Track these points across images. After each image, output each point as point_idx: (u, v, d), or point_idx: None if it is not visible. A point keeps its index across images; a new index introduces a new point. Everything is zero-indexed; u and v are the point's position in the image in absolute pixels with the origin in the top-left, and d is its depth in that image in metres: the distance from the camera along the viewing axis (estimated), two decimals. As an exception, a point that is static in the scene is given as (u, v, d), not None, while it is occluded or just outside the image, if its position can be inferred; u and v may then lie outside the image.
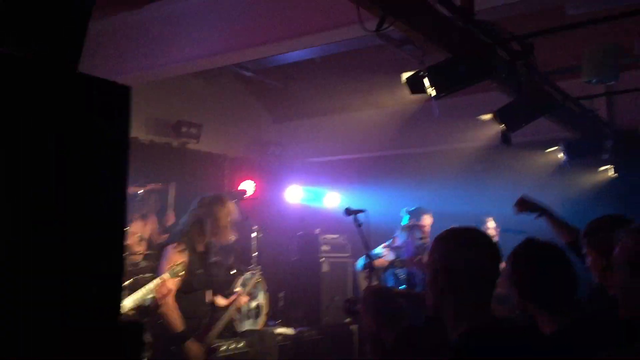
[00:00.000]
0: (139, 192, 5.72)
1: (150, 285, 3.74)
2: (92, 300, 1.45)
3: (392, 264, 5.10)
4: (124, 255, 1.55)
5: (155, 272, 4.16)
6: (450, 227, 1.97)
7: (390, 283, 5.17)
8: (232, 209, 4.19)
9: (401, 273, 5.10)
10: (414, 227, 5.32)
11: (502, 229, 6.06)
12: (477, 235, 1.92)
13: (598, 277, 2.55)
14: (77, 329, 1.38)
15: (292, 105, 8.68)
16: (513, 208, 3.82)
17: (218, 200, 4.17)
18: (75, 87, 1.42)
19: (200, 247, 4.14)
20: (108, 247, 1.48)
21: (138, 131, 7.08)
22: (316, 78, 7.78)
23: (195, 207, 4.16)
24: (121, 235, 1.55)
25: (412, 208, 6.00)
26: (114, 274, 1.49)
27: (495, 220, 6.07)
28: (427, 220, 5.83)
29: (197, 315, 4.11)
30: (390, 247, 5.47)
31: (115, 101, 1.50)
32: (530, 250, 2.25)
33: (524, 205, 3.77)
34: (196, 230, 4.10)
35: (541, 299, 2.13)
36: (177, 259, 3.92)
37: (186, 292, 4.00)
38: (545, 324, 2.11)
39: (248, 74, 7.50)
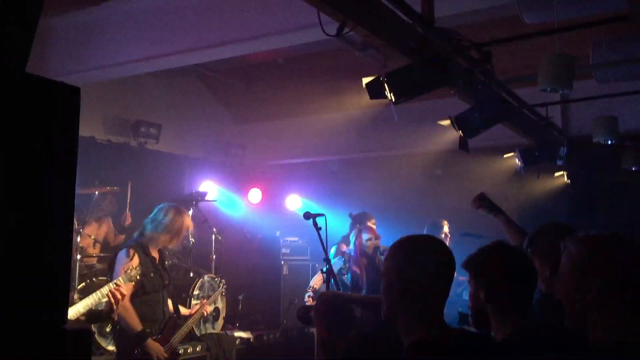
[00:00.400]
0: (95, 193, 5.59)
1: (104, 289, 3.67)
2: (37, 304, 1.40)
3: (340, 271, 5.12)
4: (71, 258, 1.51)
5: (109, 276, 4.11)
6: (405, 235, 1.98)
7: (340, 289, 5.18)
8: (187, 221, 4.24)
9: (347, 279, 5.12)
10: (362, 230, 5.36)
11: (461, 233, 6.15)
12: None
13: (544, 284, 2.59)
14: (20, 333, 1.34)
15: (254, 106, 8.64)
16: (471, 203, 3.88)
17: (176, 209, 4.20)
18: (21, 88, 1.37)
19: (153, 252, 4.14)
20: (54, 250, 1.43)
21: (95, 130, 6.94)
22: (279, 80, 7.77)
23: (153, 215, 4.19)
24: (68, 237, 1.50)
25: (357, 212, 6.06)
26: (59, 277, 1.45)
27: (449, 224, 6.17)
28: (372, 224, 5.86)
29: (155, 318, 4.07)
30: (340, 253, 5.50)
31: (63, 102, 1.46)
32: (503, 251, 2.26)
33: (482, 201, 3.82)
34: (148, 235, 4.12)
35: (504, 299, 2.15)
36: (130, 263, 3.89)
37: (138, 295, 3.97)
38: (500, 326, 2.14)
39: (210, 74, 7.44)
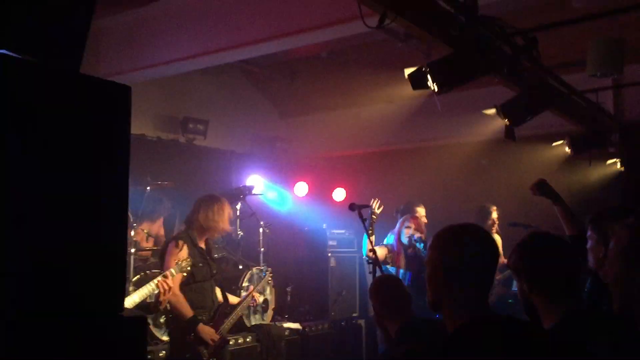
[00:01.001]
0: (147, 189, 5.76)
1: (156, 280, 3.83)
2: (95, 294, 1.48)
3: (385, 261, 5.15)
4: (127, 250, 1.59)
5: (161, 268, 4.28)
6: (450, 224, 2.00)
7: None
8: (224, 207, 4.37)
9: (392, 270, 5.16)
10: (404, 221, 5.36)
11: (509, 223, 6.06)
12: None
13: (595, 263, 2.58)
14: (79, 322, 1.42)
15: (298, 100, 8.70)
16: (530, 189, 3.84)
17: (211, 199, 4.35)
18: (76, 88, 1.45)
19: (200, 243, 4.29)
20: (110, 243, 1.51)
21: (145, 128, 7.13)
22: (322, 73, 7.80)
23: (195, 205, 4.36)
24: (123, 231, 1.59)
25: (402, 205, 6.04)
26: (116, 268, 1.53)
27: (499, 211, 6.09)
28: (420, 212, 5.83)
29: (204, 306, 4.22)
30: (385, 245, 5.50)
31: (115, 101, 1.53)
32: (538, 241, 2.28)
33: (542, 188, 3.78)
34: (194, 227, 4.28)
35: (547, 290, 2.16)
36: (180, 254, 4.05)
37: (189, 284, 4.13)
38: (547, 315, 2.14)
39: (254, 69, 7.53)
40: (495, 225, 6.21)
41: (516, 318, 1.89)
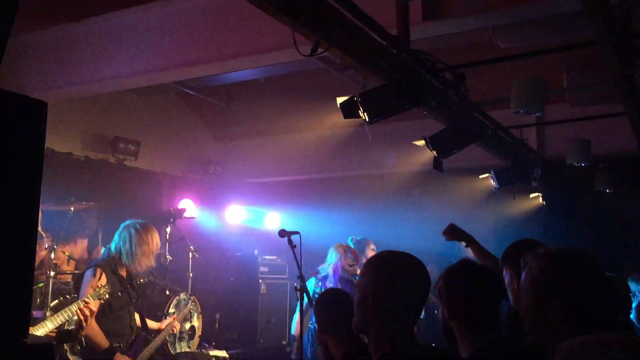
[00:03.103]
0: (70, 210, 5.54)
1: (73, 307, 3.63)
2: (0, 319, 1.40)
3: (314, 292, 5.15)
4: (33, 272, 1.51)
5: (76, 296, 4.09)
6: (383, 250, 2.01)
7: None
8: (154, 239, 4.18)
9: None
10: (347, 251, 5.39)
11: (438, 252, 6.20)
12: (408, 260, 1.93)
13: (512, 297, 2.65)
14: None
15: (234, 124, 8.67)
16: (443, 234, 3.93)
17: (142, 228, 4.15)
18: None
19: (120, 271, 4.11)
20: (16, 265, 1.44)
21: (73, 146, 6.90)
22: (259, 98, 7.81)
23: (120, 232, 4.15)
24: (31, 253, 1.51)
25: (359, 237, 6.09)
26: (21, 292, 1.45)
27: (426, 242, 6.22)
28: (371, 249, 5.92)
29: (122, 334, 4.05)
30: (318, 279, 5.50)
31: (28, 116, 1.47)
32: (462, 269, 2.32)
33: (454, 233, 3.88)
34: (117, 256, 4.09)
35: (464, 318, 2.18)
36: (99, 283, 3.88)
37: (105, 314, 3.96)
38: (464, 344, 2.17)
39: (190, 92, 7.46)
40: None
41: (438, 351, 1.90)
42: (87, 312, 3.56)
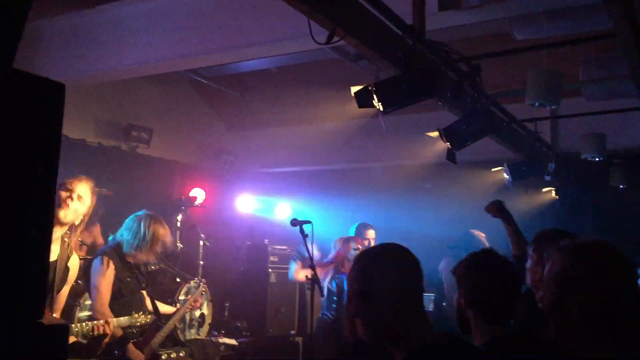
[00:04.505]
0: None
1: (92, 323, 3.67)
2: (13, 298, 1.41)
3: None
4: (49, 253, 1.52)
5: (85, 285, 4.10)
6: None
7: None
8: (161, 232, 4.21)
9: (332, 286, 5.17)
10: (349, 239, 5.41)
11: (449, 246, 6.18)
12: (395, 252, 1.84)
13: (531, 282, 2.65)
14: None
15: (246, 114, 8.66)
16: (487, 209, 3.93)
17: (149, 220, 4.17)
18: (4, 82, 1.39)
19: (129, 258, 4.15)
20: (33, 247, 1.44)
21: (86, 133, 6.93)
22: (272, 88, 7.80)
23: (127, 221, 4.18)
24: (47, 235, 1.52)
25: (356, 224, 6.09)
26: (38, 274, 1.46)
27: (437, 235, 6.21)
28: (370, 235, 5.90)
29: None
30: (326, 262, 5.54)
31: (47, 98, 1.47)
32: (486, 259, 2.30)
33: (499, 210, 3.88)
34: (124, 246, 4.11)
35: (483, 308, 2.18)
36: (108, 273, 3.93)
37: (116, 299, 3.99)
38: (479, 333, 2.17)
39: (203, 80, 7.46)
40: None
41: (453, 337, 1.83)
42: (107, 331, 3.58)
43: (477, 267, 2.25)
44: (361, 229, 5.98)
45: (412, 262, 1.81)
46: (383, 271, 1.76)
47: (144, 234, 4.09)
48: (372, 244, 5.79)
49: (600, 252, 1.62)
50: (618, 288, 1.57)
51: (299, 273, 5.71)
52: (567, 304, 1.58)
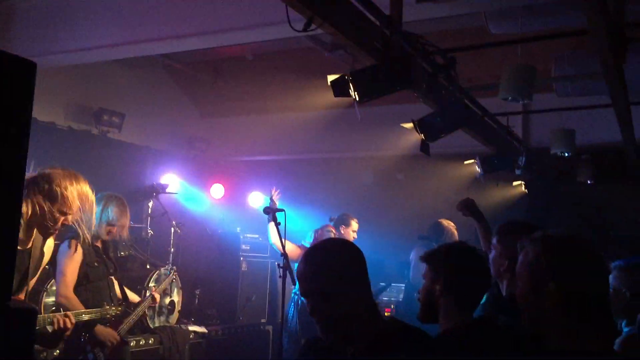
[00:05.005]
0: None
1: (50, 315, 3.53)
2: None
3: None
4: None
5: (51, 268, 4.02)
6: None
7: None
8: (123, 211, 4.19)
9: None
10: (324, 229, 5.44)
11: (420, 235, 6.24)
12: (343, 247, 1.96)
13: (496, 274, 2.69)
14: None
15: (221, 101, 8.59)
16: (457, 207, 3.97)
17: (111, 200, 4.14)
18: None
19: (96, 242, 4.11)
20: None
21: (56, 116, 6.80)
22: (247, 76, 7.74)
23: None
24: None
25: (337, 216, 6.11)
26: (3, 254, 1.42)
27: (408, 227, 6.25)
28: (354, 226, 5.95)
29: (101, 305, 4.04)
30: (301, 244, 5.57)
31: (17, 76, 1.43)
32: (464, 251, 2.39)
33: (470, 207, 3.92)
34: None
35: (458, 296, 2.25)
36: (75, 256, 3.86)
37: (82, 284, 3.94)
38: (447, 321, 2.23)
39: (177, 66, 7.37)
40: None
41: (404, 325, 1.91)
42: (68, 324, 3.43)
43: (457, 257, 2.33)
44: (347, 218, 6.00)
45: (360, 256, 1.91)
46: (335, 268, 1.83)
47: (107, 213, 4.09)
48: (355, 237, 5.84)
49: (574, 243, 1.65)
50: (590, 279, 1.60)
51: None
52: (540, 293, 1.60)
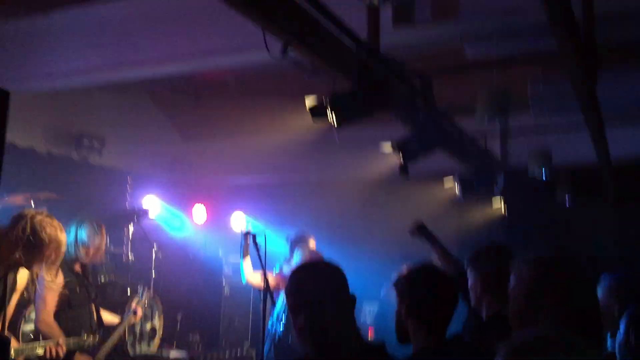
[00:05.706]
0: (31, 201, 5.39)
1: (41, 344, 3.53)
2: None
3: (277, 287, 5.16)
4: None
5: (30, 295, 3.99)
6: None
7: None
8: (97, 234, 4.19)
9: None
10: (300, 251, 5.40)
11: (402, 258, 6.24)
12: (327, 269, 2.03)
13: (474, 299, 2.71)
14: None
15: (202, 124, 8.58)
16: (408, 230, 3.99)
17: (85, 221, 4.14)
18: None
19: (76, 268, 4.08)
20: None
21: (35, 141, 6.74)
22: (228, 99, 7.76)
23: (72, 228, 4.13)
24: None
25: (293, 234, 5.95)
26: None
27: (391, 249, 6.23)
28: (312, 244, 5.86)
29: (81, 334, 3.99)
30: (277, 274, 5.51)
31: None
32: (429, 273, 2.40)
33: (420, 230, 3.94)
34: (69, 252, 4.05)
35: (424, 318, 2.27)
36: (57, 280, 3.82)
37: (64, 309, 3.90)
38: (417, 342, 2.24)
39: (158, 90, 7.37)
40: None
41: (369, 345, 1.96)
42: (58, 355, 3.45)
43: (417, 279, 2.35)
44: (305, 236, 5.87)
45: (343, 278, 2.00)
46: (321, 289, 1.93)
47: (85, 237, 4.07)
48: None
49: (568, 265, 1.70)
50: (585, 300, 1.65)
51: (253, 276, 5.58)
52: (534, 315, 1.63)
